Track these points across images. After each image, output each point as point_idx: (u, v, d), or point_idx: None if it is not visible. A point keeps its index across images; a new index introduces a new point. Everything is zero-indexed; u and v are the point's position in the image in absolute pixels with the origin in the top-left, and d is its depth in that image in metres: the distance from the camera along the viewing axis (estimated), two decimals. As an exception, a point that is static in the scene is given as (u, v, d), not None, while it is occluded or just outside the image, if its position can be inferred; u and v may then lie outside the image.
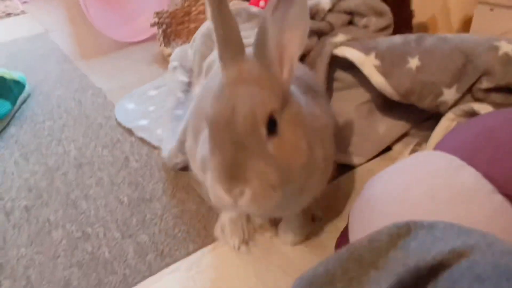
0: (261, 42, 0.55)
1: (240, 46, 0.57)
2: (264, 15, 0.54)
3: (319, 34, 0.93)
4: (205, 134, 0.61)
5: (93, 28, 1.84)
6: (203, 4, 1.87)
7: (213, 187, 0.53)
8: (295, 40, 0.56)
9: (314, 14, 0.92)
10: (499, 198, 0.58)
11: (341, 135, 0.99)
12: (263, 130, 0.52)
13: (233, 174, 0.50)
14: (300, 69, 0.78)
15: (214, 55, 1.11)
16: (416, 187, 0.60)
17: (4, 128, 1.30)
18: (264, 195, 0.51)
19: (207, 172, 0.55)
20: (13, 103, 1.38)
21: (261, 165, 0.51)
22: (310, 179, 0.63)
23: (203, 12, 1.88)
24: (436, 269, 0.34)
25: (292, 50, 0.57)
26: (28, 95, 1.50)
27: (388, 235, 0.39)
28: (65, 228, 0.91)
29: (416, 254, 0.36)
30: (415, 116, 0.96)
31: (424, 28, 1.09)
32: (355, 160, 0.98)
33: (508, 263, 0.34)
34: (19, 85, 1.45)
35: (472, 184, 0.59)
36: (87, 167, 1.10)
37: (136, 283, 0.77)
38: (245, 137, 0.51)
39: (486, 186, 0.59)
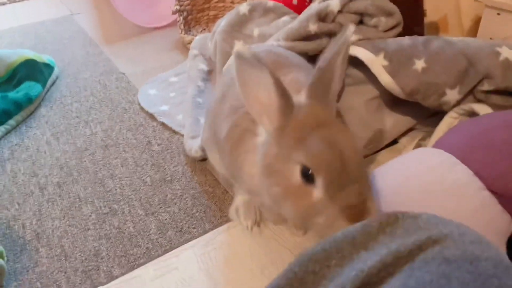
0: (324, 85, 0.62)
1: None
2: (329, 58, 0.60)
3: (330, 35, 0.98)
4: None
5: (117, 12, 1.91)
6: (223, -8, 1.92)
7: (339, 229, 0.53)
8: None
9: (324, 17, 0.97)
10: (487, 194, 0.64)
11: (351, 129, 1.05)
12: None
13: (361, 216, 0.55)
14: None
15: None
16: (412, 182, 0.67)
17: (36, 109, 1.40)
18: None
19: (317, 214, 0.58)
20: (44, 85, 1.47)
21: (373, 197, 0.58)
22: None
23: (222, 0, 1.94)
24: (413, 252, 0.41)
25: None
26: (57, 77, 1.58)
27: (379, 222, 0.47)
28: (94, 204, 1.01)
29: (399, 239, 0.43)
30: (421, 112, 1.02)
31: (435, 27, 1.14)
32: (363, 151, 1.05)
33: (473, 250, 0.41)
34: (48, 68, 1.54)
35: (463, 180, 0.65)
36: (113, 149, 1.19)
37: (158, 256, 0.86)
38: (361, 176, 0.58)
39: (476, 183, 0.65)
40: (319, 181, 0.57)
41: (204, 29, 1.90)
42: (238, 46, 0.59)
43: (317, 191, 0.57)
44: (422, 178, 0.66)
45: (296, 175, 0.59)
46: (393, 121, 1.04)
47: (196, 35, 1.75)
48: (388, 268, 0.41)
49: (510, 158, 0.65)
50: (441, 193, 0.64)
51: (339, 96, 1.04)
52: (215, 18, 1.93)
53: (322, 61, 0.62)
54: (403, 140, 1.09)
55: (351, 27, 0.63)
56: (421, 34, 1.11)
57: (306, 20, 0.96)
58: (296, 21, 1.00)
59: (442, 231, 0.43)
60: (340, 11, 0.97)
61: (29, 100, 1.36)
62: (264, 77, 0.57)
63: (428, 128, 1.05)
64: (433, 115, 1.03)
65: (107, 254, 0.88)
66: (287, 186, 0.60)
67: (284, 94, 0.59)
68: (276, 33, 1.05)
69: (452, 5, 1.10)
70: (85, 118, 1.34)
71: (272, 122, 0.61)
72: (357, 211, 0.56)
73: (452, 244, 0.41)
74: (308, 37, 0.97)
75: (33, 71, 1.46)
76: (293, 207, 0.60)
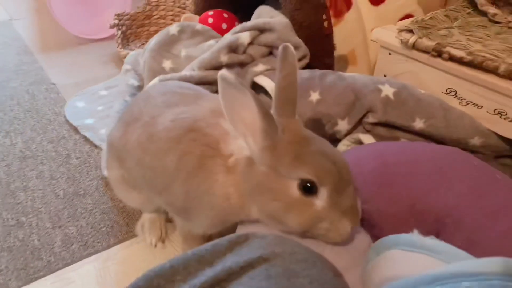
0: (289, 102, 0.68)
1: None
2: (287, 78, 0.68)
3: (241, 65, 1.05)
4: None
5: (56, 20, 1.91)
6: (164, 9, 1.97)
7: (344, 230, 0.63)
8: None
9: (235, 48, 1.04)
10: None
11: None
12: None
13: (357, 215, 0.65)
14: None
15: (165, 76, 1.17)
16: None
17: (-45, 116, 1.37)
18: None
19: (321, 221, 0.63)
20: (-33, 92, 1.44)
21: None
22: None
23: (163, 17, 1.98)
24: (244, 269, 0.47)
25: None
26: (-17, 85, 1.56)
27: (228, 241, 0.52)
28: (1, 215, 1.01)
29: (239, 257, 0.49)
30: (326, 138, 1.10)
31: (345, 60, 1.24)
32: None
33: (296, 268, 0.47)
34: (-26, 75, 1.52)
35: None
36: (30, 160, 1.19)
37: (58, 269, 0.88)
38: (351, 178, 0.65)
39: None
40: (323, 192, 0.62)
41: (143, 44, 1.93)
42: (222, 71, 0.61)
43: (320, 201, 0.62)
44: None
45: (294, 190, 0.62)
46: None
47: (134, 50, 1.78)
48: (221, 283, 0.46)
49: (375, 185, 0.74)
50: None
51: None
52: (156, 33, 1.96)
53: (281, 81, 0.68)
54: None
55: (290, 48, 0.69)
56: (331, 65, 1.20)
57: (217, 51, 1.03)
58: (209, 52, 1.06)
59: (275, 250, 0.49)
60: (251, 43, 1.04)
61: None
62: (247, 100, 0.61)
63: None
64: (336, 141, 1.11)
65: (6, 266, 0.88)
66: (287, 200, 0.63)
67: (266, 116, 0.62)
68: (191, 63, 1.10)
69: (359, 41, 1.21)
70: (6, 128, 1.33)
71: (257, 142, 0.64)
72: (354, 210, 0.64)
73: (280, 262, 0.47)
74: (220, 67, 1.03)
75: (-44, 77, 1.43)
76: (297, 218, 0.64)
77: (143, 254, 0.92)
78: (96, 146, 1.24)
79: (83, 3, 2.14)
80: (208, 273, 0.47)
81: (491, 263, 0.43)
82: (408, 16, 1.26)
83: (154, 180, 0.80)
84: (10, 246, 0.93)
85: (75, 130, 1.32)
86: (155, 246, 0.94)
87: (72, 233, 0.97)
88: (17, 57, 1.80)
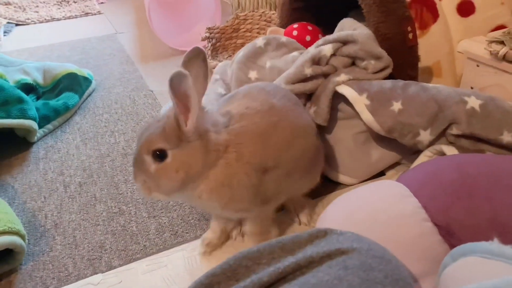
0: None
1: None
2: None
3: (324, 76, 1.10)
4: None
5: (154, 33, 2.11)
6: (250, 23, 2.08)
7: None
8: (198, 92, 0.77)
9: (318, 61, 1.09)
10: (428, 225, 0.73)
11: (340, 158, 1.15)
12: (148, 157, 0.79)
13: (134, 176, 0.83)
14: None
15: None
16: (365, 208, 0.76)
17: (71, 116, 1.59)
18: (144, 192, 0.82)
19: None
20: (81, 96, 1.66)
21: (142, 176, 0.81)
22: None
23: (250, 30, 2.10)
24: (323, 259, 0.51)
25: (193, 101, 0.74)
26: (93, 90, 1.78)
27: (309, 234, 0.57)
28: (107, 203, 1.16)
29: (319, 248, 0.54)
30: (406, 149, 1.10)
31: (429, 71, 1.23)
32: (350, 180, 1.14)
33: (372, 262, 0.51)
34: (87, 81, 1.74)
35: (409, 211, 0.74)
36: (131, 157, 1.34)
37: (152, 253, 0.99)
38: (137, 157, 0.81)
39: (420, 214, 0.74)
40: None
41: (230, 55, 2.06)
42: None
43: None
44: (372, 206, 0.76)
45: None
46: (379, 155, 1.13)
47: (222, 61, 1.91)
48: (302, 269, 0.51)
49: (454, 196, 0.74)
50: (386, 221, 0.73)
51: (330, 128, 1.15)
52: (242, 46, 2.07)
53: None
54: (390, 173, 1.18)
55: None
56: (414, 76, 1.20)
57: (301, 65, 1.08)
58: (293, 66, 1.13)
59: (352, 245, 0.53)
60: (333, 54, 1.08)
61: (66, 108, 1.55)
62: None
63: (412, 163, 1.13)
64: (417, 152, 1.11)
65: (110, 247, 1.02)
66: None
67: None
68: (278, 79, 1.17)
69: (445, 52, 1.19)
70: (111, 128, 1.51)
71: None
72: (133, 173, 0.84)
73: (357, 256, 0.51)
74: (304, 80, 1.09)
75: (73, 83, 1.66)
76: None
77: (225, 247, 1.00)
78: (186, 147, 1.37)
79: (178, 18, 2.35)
80: (290, 259, 0.53)
81: None
82: (500, 27, 1.22)
83: None
84: (113, 230, 1.07)
85: (169, 132, 1.46)
86: (235, 239, 1.01)
87: (164, 222, 1.08)
88: (121, 67, 2.02)
